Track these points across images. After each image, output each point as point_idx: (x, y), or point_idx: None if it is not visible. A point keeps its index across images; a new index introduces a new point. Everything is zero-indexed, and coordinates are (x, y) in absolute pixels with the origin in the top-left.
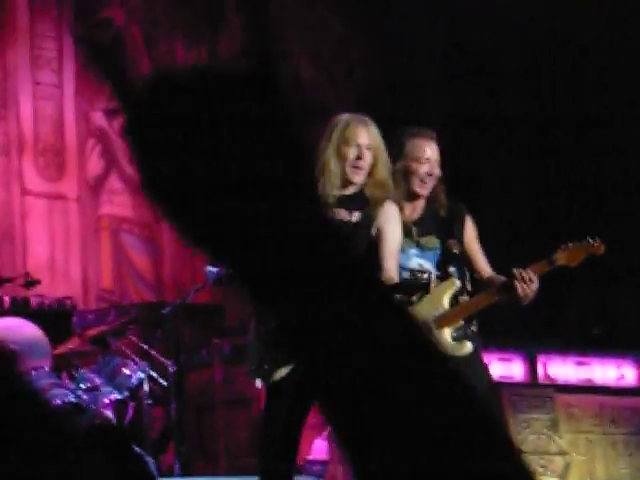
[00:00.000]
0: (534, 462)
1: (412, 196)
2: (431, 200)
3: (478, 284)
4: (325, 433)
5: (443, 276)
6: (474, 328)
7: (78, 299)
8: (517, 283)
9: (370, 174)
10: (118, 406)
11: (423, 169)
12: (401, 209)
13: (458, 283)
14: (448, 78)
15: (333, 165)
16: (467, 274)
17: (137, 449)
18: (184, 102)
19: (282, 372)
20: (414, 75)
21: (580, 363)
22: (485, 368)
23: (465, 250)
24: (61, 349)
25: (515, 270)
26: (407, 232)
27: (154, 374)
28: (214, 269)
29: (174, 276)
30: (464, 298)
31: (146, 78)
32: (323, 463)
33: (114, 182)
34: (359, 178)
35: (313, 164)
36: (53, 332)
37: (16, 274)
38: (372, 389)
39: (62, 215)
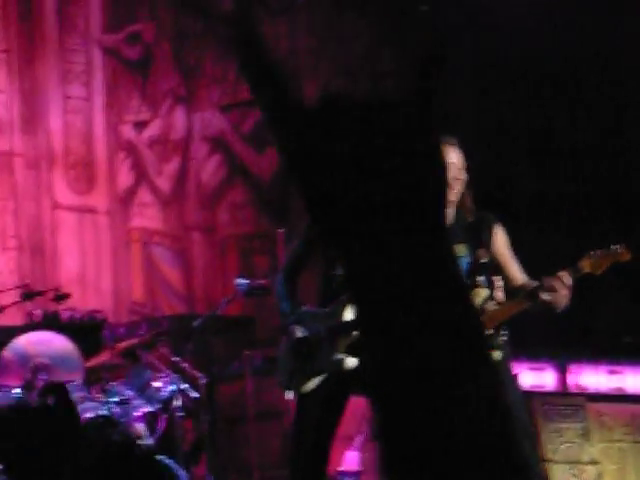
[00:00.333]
0: (566, 471)
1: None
2: (459, 207)
3: (511, 292)
4: (357, 444)
5: (471, 285)
6: (504, 337)
7: (109, 312)
8: (542, 294)
9: None
10: (149, 419)
11: (450, 174)
12: None
13: (486, 292)
14: (476, 89)
15: None
16: (495, 283)
17: (169, 462)
18: (351, 124)
19: (313, 384)
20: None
21: (612, 372)
22: (514, 378)
23: (496, 258)
24: (92, 362)
25: (544, 279)
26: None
27: (185, 386)
28: (244, 281)
29: (205, 288)
30: (492, 307)
31: (313, 99)
32: (355, 474)
33: (144, 194)
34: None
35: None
36: (84, 345)
37: (47, 288)
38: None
39: (92, 228)
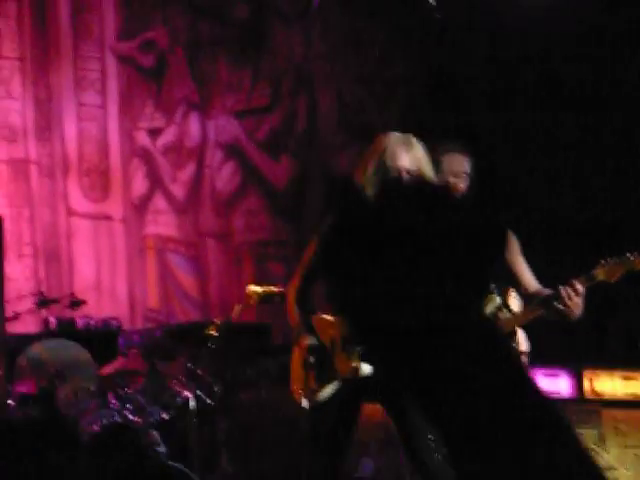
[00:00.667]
0: None
1: None
2: None
3: (524, 299)
4: (371, 450)
5: None
6: (524, 347)
7: (124, 319)
8: (556, 303)
9: None
10: (164, 425)
11: (463, 184)
12: None
13: (498, 300)
14: (489, 94)
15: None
16: (509, 292)
17: (184, 469)
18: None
19: (326, 392)
20: (456, 92)
21: (627, 378)
22: None
23: (508, 266)
24: (107, 369)
25: (560, 288)
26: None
27: (200, 393)
28: (258, 288)
29: (220, 294)
30: (504, 315)
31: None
32: None
33: (159, 202)
34: None
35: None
36: (99, 352)
37: (62, 295)
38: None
39: (107, 235)
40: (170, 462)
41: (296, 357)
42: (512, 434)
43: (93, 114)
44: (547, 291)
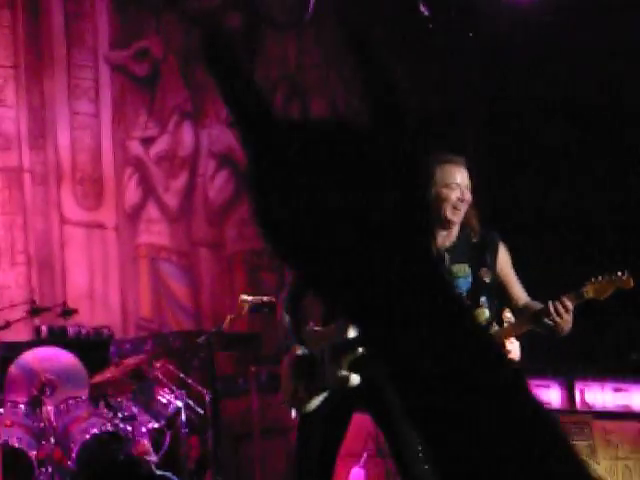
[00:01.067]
0: None
1: (445, 223)
2: (464, 226)
3: (514, 313)
4: (362, 461)
5: (473, 306)
6: (515, 356)
7: (117, 328)
8: (545, 318)
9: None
10: (155, 435)
11: (454, 195)
12: (434, 237)
13: (487, 313)
14: (487, 112)
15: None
16: (497, 303)
17: (174, 478)
18: (313, 142)
19: (316, 402)
20: (452, 106)
21: (618, 389)
22: None
23: (499, 278)
24: (98, 378)
25: (549, 303)
26: (439, 260)
27: (191, 403)
28: (249, 297)
29: (212, 304)
30: (494, 328)
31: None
32: None
33: (151, 210)
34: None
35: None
36: (90, 361)
37: (54, 303)
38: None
39: (100, 244)
40: (160, 471)
41: (286, 367)
42: (506, 441)
43: (86, 122)
44: (537, 305)
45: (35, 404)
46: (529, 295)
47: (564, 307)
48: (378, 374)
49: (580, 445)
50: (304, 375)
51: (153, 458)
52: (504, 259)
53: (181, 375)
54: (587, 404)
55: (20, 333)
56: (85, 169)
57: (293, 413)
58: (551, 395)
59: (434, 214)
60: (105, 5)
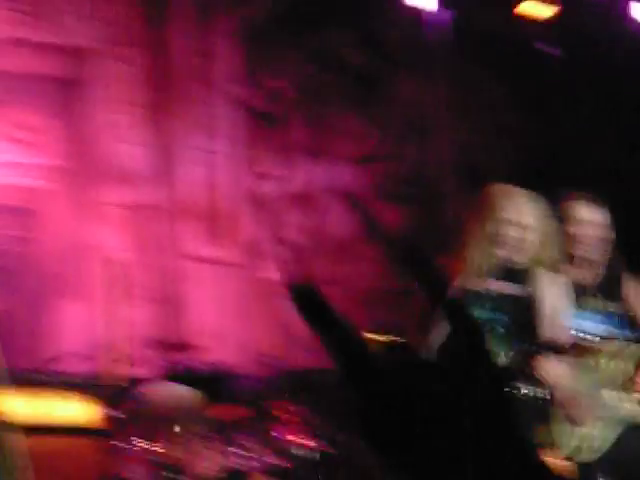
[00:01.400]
0: None
1: (579, 260)
2: (604, 263)
3: None
4: None
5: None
6: None
7: (237, 364)
8: None
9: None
10: (273, 471)
11: (583, 232)
12: (568, 274)
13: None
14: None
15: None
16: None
17: None
18: None
19: None
20: (569, 134)
21: None
22: None
23: (633, 310)
24: (216, 413)
25: None
26: (579, 297)
27: (319, 441)
28: (378, 337)
29: None
30: None
31: None
32: None
33: (271, 247)
34: (519, 258)
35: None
36: (209, 396)
37: (177, 340)
38: None
39: (221, 280)
40: None
41: None
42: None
43: (207, 158)
44: None
45: (156, 439)
46: None
47: None
48: None
49: None
50: None
51: None
52: (635, 290)
53: (305, 413)
54: None
55: (143, 369)
56: (204, 205)
57: None
58: None
59: (569, 252)
60: (230, 42)
